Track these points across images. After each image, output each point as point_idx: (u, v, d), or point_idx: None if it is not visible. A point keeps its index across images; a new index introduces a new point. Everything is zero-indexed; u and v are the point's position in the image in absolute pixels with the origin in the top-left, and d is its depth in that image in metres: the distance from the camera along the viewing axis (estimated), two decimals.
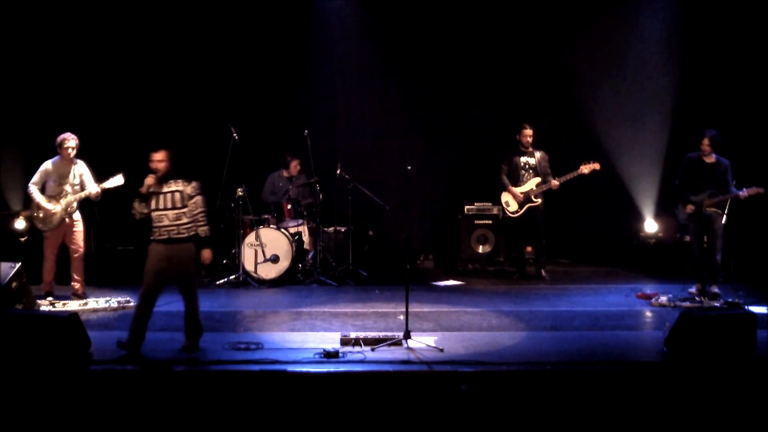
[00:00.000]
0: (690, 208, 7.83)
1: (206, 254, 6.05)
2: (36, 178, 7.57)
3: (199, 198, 6.00)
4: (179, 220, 5.92)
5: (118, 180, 7.47)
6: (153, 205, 5.93)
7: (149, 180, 5.93)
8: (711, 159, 7.79)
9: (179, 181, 5.98)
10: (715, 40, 9.78)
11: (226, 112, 9.67)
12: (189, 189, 5.99)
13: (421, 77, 10.62)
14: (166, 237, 5.90)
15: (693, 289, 7.94)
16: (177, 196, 5.95)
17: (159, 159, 5.93)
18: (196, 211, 5.98)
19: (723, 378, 5.28)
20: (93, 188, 7.54)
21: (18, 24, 9.38)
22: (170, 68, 10.03)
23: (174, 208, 5.92)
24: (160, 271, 5.88)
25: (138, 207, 5.97)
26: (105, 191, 7.55)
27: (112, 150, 9.57)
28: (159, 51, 9.98)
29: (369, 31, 10.50)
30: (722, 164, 7.79)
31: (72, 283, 7.73)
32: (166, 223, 5.90)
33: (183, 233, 5.92)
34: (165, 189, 5.94)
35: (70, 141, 7.53)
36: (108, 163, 8.93)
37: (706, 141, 7.74)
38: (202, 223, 6.00)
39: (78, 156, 7.69)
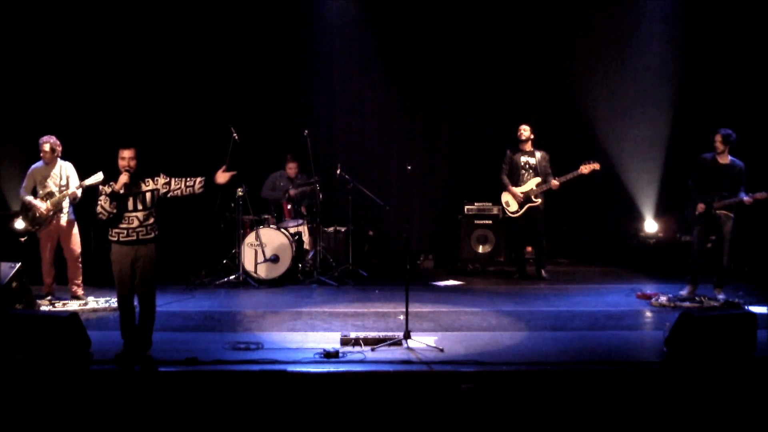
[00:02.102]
0: (701, 207, 7.72)
1: (221, 174, 6.02)
2: (24, 183, 7.69)
3: (172, 178, 5.93)
4: (148, 220, 5.84)
5: (98, 177, 7.38)
6: (122, 206, 5.78)
7: (125, 178, 5.74)
8: (725, 160, 7.70)
9: (147, 180, 5.89)
10: (717, 40, 9.77)
11: (226, 112, 9.67)
12: (161, 180, 5.91)
13: (422, 77, 10.62)
14: (134, 238, 5.78)
15: (684, 292, 7.86)
16: (148, 195, 5.86)
17: (131, 156, 5.79)
18: (183, 183, 5.92)
19: (723, 378, 5.28)
20: (72, 188, 7.55)
21: (19, 25, 9.38)
22: (171, 69, 10.03)
23: (145, 209, 5.83)
24: (129, 273, 5.80)
25: (109, 207, 5.71)
26: (88, 189, 7.48)
27: (112, 151, 9.56)
28: (159, 51, 9.98)
29: (369, 31, 10.50)
30: (737, 166, 7.69)
31: (70, 285, 7.73)
32: (136, 224, 5.79)
33: (150, 234, 5.85)
34: (135, 191, 5.83)
35: (45, 145, 7.57)
36: (107, 164, 8.96)
37: (718, 138, 7.66)
38: (193, 180, 5.96)
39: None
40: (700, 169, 7.82)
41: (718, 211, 7.71)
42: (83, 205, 7.88)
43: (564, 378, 5.39)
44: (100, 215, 5.78)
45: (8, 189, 9.33)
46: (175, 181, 5.94)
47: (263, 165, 9.84)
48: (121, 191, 5.76)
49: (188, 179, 5.97)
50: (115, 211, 5.75)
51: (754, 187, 7.68)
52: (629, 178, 10.33)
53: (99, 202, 5.77)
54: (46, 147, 7.57)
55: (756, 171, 8.33)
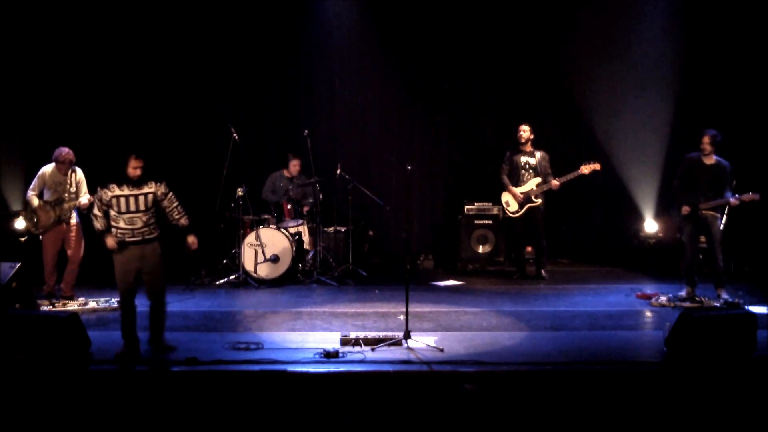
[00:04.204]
0: (686, 209, 7.67)
1: (193, 239, 6.17)
2: (33, 185, 7.62)
3: (171, 193, 6.12)
4: (150, 220, 5.99)
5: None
6: (124, 207, 5.89)
7: (113, 243, 5.90)
8: (711, 160, 7.66)
9: (150, 183, 6.01)
10: (718, 39, 9.76)
11: (226, 112, 9.67)
12: (162, 188, 6.06)
13: (422, 77, 10.62)
14: (140, 239, 5.92)
15: (683, 293, 7.81)
16: (150, 197, 5.99)
17: (142, 165, 5.94)
18: (174, 205, 6.11)
19: (723, 378, 5.28)
20: (83, 199, 7.55)
21: (18, 26, 9.36)
22: (171, 69, 10.02)
23: (147, 210, 5.97)
24: (133, 272, 5.91)
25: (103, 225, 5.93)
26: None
27: (112, 151, 9.55)
28: (159, 52, 9.97)
29: (369, 30, 10.49)
30: (722, 166, 7.65)
31: (62, 285, 7.71)
32: (140, 225, 5.93)
33: (154, 233, 6.01)
34: (137, 192, 5.94)
35: (64, 161, 7.52)
36: (107, 164, 8.94)
37: (706, 139, 7.62)
38: (182, 214, 6.15)
39: (75, 163, 7.71)
40: (686, 170, 7.77)
41: (704, 212, 7.66)
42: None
43: (564, 378, 5.39)
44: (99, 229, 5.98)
45: (8, 189, 9.32)
46: (170, 199, 6.11)
47: (263, 165, 9.84)
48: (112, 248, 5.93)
49: (180, 208, 6.15)
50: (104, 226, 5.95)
51: (752, 187, 7.65)
52: (629, 178, 10.32)
53: (93, 212, 5.98)
54: (66, 162, 7.53)
55: (756, 170, 8.34)
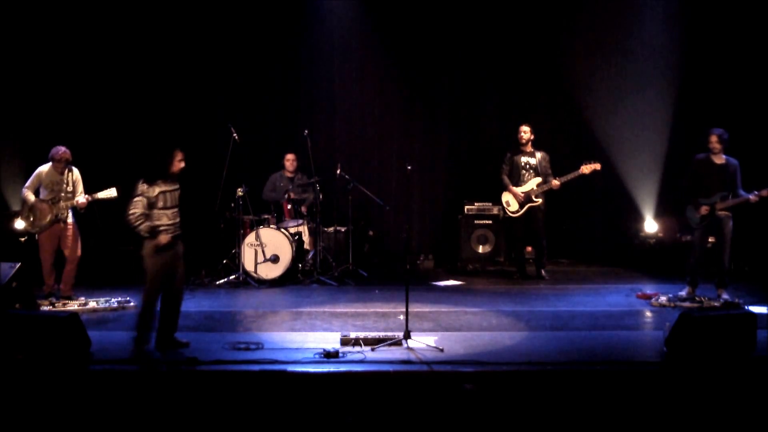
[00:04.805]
0: (705, 209, 7.61)
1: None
2: (29, 183, 7.61)
3: None
4: (179, 214, 6.06)
5: (110, 192, 7.40)
6: (169, 202, 5.90)
7: (166, 239, 5.82)
8: (721, 159, 7.60)
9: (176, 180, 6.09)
10: (717, 38, 9.76)
11: (226, 112, 9.67)
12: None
13: (422, 77, 10.63)
14: (178, 233, 5.98)
15: (684, 292, 7.80)
16: (179, 192, 6.07)
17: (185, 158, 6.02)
18: None
19: (723, 378, 5.28)
20: (81, 198, 7.54)
21: (18, 26, 9.37)
22: (170, 69, 10.03)
23: (179, 204, 6.05)
24: (169, 268, 5.92)
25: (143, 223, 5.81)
26: (96, 201, 7.50)
27: (112, 150, 9.58)
28: (159, 51, 9.98)
29: (369, 30, 10.50)
30: (732, 165, 7.59)
31: (62, 285, 7.69)
32: (177, 220, 6.00)
33: (180, 228, 6.06)
34: (173, 187, 5.98)
35: (61, 159, 7.50)
36: (108, 163, 8.95)
37: (713, 138, 7.55)
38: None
39: (74, 162, 7.70)
40: (696, 171, 7.71)
41: (720, 212, 7.65)
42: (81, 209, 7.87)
43: (564, 378, 5.38)
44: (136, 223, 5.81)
45: (8, 189, 9.32)
46: None
47: (263, 165, 9.84)
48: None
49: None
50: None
51: (753, 184, 7.62)
52: (629, 178, 10.32)
53: (135, 211, 5.78)
54: (62, 161, 7.53)
55: (758, 168, 8.33)
